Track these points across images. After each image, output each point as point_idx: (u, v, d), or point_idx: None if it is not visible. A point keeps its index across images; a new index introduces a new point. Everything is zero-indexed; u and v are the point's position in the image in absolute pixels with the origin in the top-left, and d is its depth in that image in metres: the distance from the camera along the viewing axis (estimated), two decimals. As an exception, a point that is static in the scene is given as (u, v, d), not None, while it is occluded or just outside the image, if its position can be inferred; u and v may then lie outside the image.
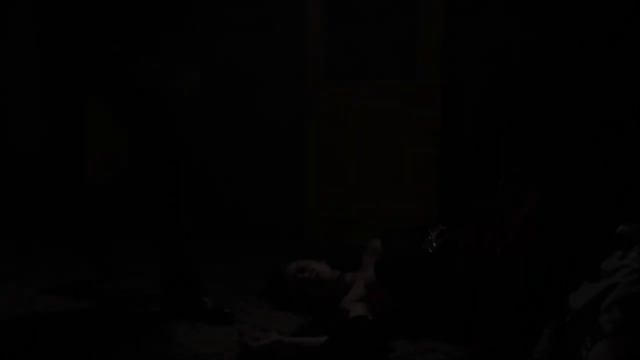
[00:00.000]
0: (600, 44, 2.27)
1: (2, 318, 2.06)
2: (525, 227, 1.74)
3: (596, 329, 1.43)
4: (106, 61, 1.93)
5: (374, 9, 3.04)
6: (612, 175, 1.74)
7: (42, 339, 1.89)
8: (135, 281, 2.44)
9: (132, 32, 1.91)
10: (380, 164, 3.11)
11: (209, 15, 3.40)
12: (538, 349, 1.58)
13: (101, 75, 1.95)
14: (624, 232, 1.58)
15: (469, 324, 1.85)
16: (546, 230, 1.70)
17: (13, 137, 4.55)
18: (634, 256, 1.51)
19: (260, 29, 3.19)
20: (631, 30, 2.19)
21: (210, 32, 3.18)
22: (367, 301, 1.98)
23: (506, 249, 1.75)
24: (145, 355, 1.79)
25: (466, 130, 2.73)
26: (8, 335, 1.92)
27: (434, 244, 1.95)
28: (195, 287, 2.16)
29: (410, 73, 2.91)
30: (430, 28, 2.81)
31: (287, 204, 3.52)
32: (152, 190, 2.05)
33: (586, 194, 1.72)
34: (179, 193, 2.06)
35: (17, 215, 3.87)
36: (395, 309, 1.98)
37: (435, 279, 1.90)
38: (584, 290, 1.51)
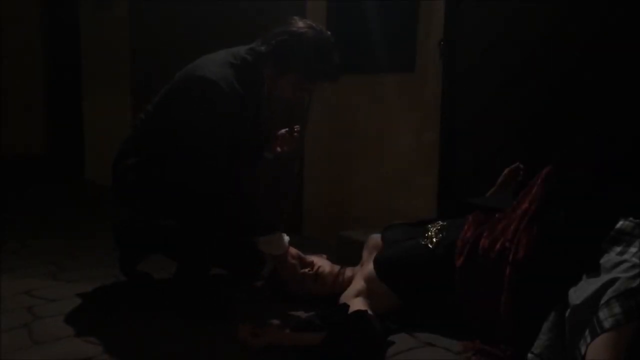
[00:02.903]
0: (598, 42, 2.27)
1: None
2: (526, 222, 1.74)
3: (595, 323, 1.44)
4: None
5: (373, 2, 3.03)
6: (612, 171, 1.75)
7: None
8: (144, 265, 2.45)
9: None
10: (379, 158, 3.11)
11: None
12: (537, 344, 1.59)
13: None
14: (623, 228, 1.58)
15: (467, 319, 1.86)
16: (546, 226, 1.70)
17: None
18: (634, 252, 1.51)
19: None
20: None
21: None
22: (367, 296, 1.99)
23: (506, 244, 1.75)
24: (144, 351, 1.80)
25: (466, 124, 2.73)
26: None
27: (434, 240, 1.95)
28: (203, 283, 2.19)
29: (411, 67, 2.90)
30: (431, 21, 2.80)
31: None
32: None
33: (586, 190, 1.72)
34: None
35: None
36: (395, 303, 1.98)
37: (434, 275, 1.90)
38: (584, 286, 1.52)
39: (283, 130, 2.39)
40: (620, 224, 1.59)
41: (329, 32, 2.18)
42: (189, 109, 2.04)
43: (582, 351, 1.44)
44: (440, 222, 2.05)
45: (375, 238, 2.19)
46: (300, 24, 2.13)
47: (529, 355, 1.59)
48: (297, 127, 2.37)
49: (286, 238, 2.15)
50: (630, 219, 1.59)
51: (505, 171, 2.30)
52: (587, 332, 1.45)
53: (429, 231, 2.00)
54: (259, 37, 2.17)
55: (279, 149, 2.37)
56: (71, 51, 5.90)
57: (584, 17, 2.32)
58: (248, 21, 2.25)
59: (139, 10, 4.87)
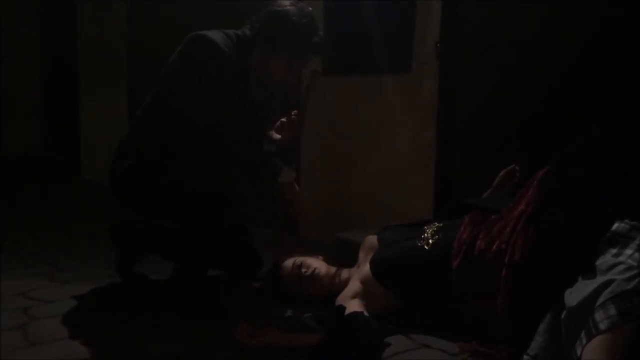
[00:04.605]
0: (596, 42, 2.27)
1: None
2: (522, 224, 1.74)
3: (591, 325, 1.43)
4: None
5: (370, 3, 3.03)
6: (610, 172, 1.75)
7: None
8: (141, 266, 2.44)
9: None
10: (375, 158, 3.11)
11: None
12: (533, 345, 1.59)
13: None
14: (619, 230, 1.58)
15: (464, 320, 1.86)
16: (542, 227, 1.70)
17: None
18: (629, 253, 1.51)
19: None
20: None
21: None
22: (363, 297, 1.99)
23: (502, 245, 1.75)
24: (141, 352, 1.79)
25: (463, 125, 2.73)
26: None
27: (430, 241, 1.95)
28: (201, 282, 2.20)
29: (407, 67, 2.90)
30: (428, 22, 2.80)
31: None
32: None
33: (583, 191, 1.72)
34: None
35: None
36: (391, 304, 1.98)
37: (431, 276, 1.90)
38: (580, 287, 1.52)
39: (282, 119, 2.38)
40: (615, 225, 1.59)
41: (310, 8, 2.19)
42: (183, 64, 2.07)
43: (578, 353, 1.44)
44: (437, 223, 2.05)
45: (372, 239, 2.19)
46: (282, 2, 2.15)
47: (525, 356, 1.59)
48: (295, 111, 2.35)
49: (289, 169, 2.26)
50: (626, 220, 1.59)
51: (502, 173, 2.30)
52: (582, 334, 1.45)
53: (425, 232, 2.00)
54: (246, 22, 2.20)
55: (278, 136, 2.33)
56: (69, 50, 5.90)
57: (583, 17, 2.32)
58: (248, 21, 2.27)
59: (137, 9, 4.87)
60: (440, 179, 2.80)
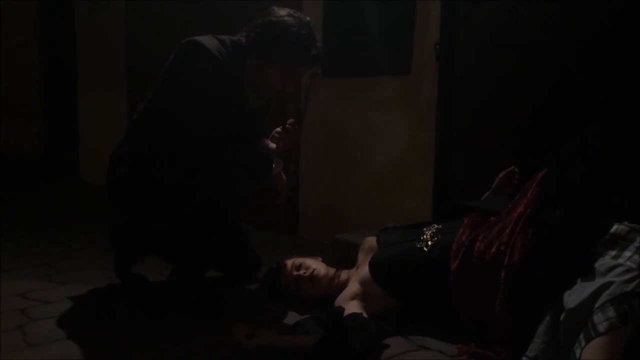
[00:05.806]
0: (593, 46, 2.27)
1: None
2: (521, 226, 1.74)
3: (590, 327, 1.44)
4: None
5: (370, 4, 3.03)
6: (608, 173, 1.75)
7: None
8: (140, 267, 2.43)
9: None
10: (374, 160, 3.11)
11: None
12: (532, 347, 1.59)
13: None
14: (618, 232, 1.58)
15: (462, 322, 1.86)
16: (542, 229, 1.70)
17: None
18: (628, 255, 1.51)
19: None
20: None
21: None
22: (362, 299, 1.98)
23: (501, 247, 1.75)
24: (138, 353, 1.79)
25: (462, 126, 2.73)
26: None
27: (429, 243, 1.95)
28: (199, 283, 2.20)
29: (406, 69, 2.90)
30: (427, 23, 2.80)
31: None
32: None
33: (582, 193, 1.72)
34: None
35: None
36: (390, 306, 1.98)
37: (429, 277, 1.90)
38: (579, 289, 1.52)
39: (278, 129, 2.37)
40: (614, 227, 1.59)
41: (308, 18, 2.15)
42: (177, 68, 2.07)
43: (577, 355, 1.45)
44: (436, 225, 2.05)
45: (371, 240, 2.20)
46: (280, 12, 2.11)
47: (524, 358, 1.59)
48: (291, 120, 2.33)
49: (277, 160, 2.29)
50: (625, 223, 1.60)
51: (501, 174, 2.30)
52: (581, 336, 1.45)
53: (424, 234, 2.00)
54: (241, 31, 2.17)
55: (274, 145, 2.31)
56: (68, 52, 5.91)
57: (581, 19, 2.32)
58: (246, 21, 2.25)
59: (135, 10, 4.87)
60: (439, 180, 2.80)
